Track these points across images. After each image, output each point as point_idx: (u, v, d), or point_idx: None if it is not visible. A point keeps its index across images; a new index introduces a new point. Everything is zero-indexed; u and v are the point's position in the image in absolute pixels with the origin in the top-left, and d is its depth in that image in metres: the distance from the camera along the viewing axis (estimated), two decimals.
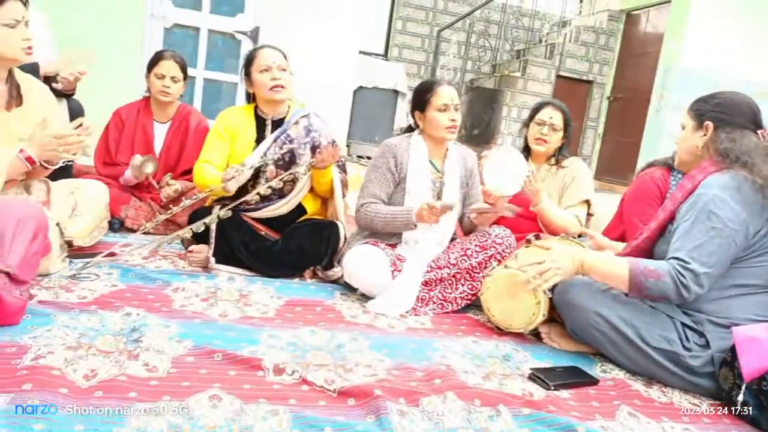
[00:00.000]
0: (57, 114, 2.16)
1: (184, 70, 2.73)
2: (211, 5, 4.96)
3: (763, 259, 1.70)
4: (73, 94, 2.73)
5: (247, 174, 2.29)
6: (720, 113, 1.79)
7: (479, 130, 6.69)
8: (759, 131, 1.79)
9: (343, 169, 2.53)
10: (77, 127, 1.87)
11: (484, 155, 2.53)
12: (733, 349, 1.60)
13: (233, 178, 2.20)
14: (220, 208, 2.27)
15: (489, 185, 2.44)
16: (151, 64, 2.71)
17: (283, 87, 2.36)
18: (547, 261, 1.78)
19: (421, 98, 2.32)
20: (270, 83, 2.35)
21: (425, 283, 2.18)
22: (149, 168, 2.65)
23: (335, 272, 2.32)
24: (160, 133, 2.79)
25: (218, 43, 5.10)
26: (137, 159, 2.64)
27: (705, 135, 1.80)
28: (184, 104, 2.88)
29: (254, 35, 5.03)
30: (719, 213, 1.64)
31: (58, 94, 2.60)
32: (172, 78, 2.69)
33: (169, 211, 2.26)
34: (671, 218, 1.83)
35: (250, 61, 2.41)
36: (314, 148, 2.39)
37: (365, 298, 2.17)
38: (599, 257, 1.83)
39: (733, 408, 1.59)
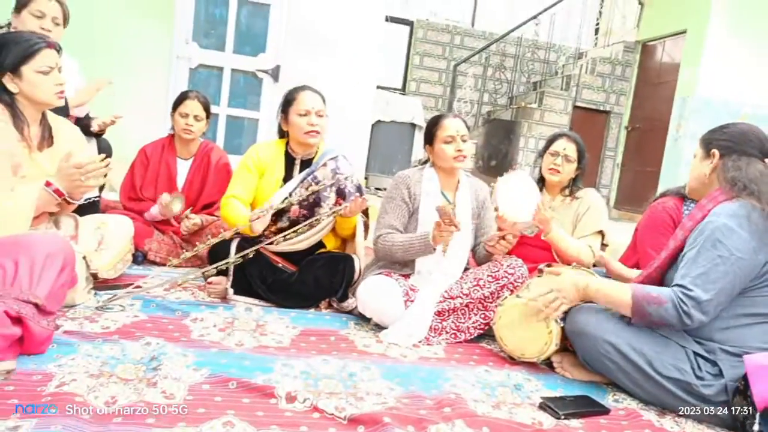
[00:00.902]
0: (85, 151, 2.27)
1: (207, 109, 2.86)
2: (234, 46, 5.18)
3: None
4: (103, 134, 2.87)
5: (272, 211, 2.36)
6: (726, 141, 1.82)
7: (496, 162, 6.74)
8: (766, 160, 1.82)
9: (365, 213, 2.59)
10: (102, 159, 1.97)
11: (497, 181, 2.57)
12: (745, 378, 1.59)
13: (259, 218, 2.27)
14: (239, 243, 2.35)
15: (503, 210, 2.48)
16: (176, 103, 2.84)
17: (318, 133, 2.43)
18: (552, 290, 1.80)
19: (429, 132, 2.39)
20: (307, 128, 2.41)
21: (438, 313, 2.21)
22: (177, 206, 2.75)
23: (350, 303, 2.37)
24: (183, 169, 2.90)
25: (240, 82, 5.30)
26: (165, 198, 2.74)
27: (711, 162, 1.83)
28: (206, 141, 3.00)
29: (275, 73, 5.22)
30: (726, 242, 1.66)
31: (88, 133, 2.75)
32: (195, 117, 2.81)
33: (195, 249, 2.33)
34: (682, 247, 1.84)
35: (289, 101, 2.46)
36: (339, 191, 2.45)
37: (379, 328, 2.20)
38: (604, 282, 1.85)
39: None
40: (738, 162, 1.77)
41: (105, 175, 1.97)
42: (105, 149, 2.90)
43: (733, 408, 1.63)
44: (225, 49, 5.16)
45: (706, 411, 1.68)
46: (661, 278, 1.90)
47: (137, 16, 4.63)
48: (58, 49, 2.01)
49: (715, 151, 1.82)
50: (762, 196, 1.69)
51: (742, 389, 1.60)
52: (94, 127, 2.67)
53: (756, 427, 1.54)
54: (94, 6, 4.41)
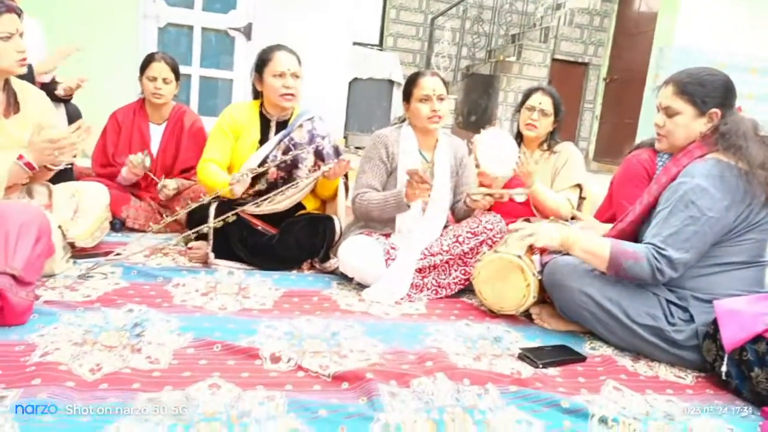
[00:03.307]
0: (54, 118, 2.21)
1: (175, 70, 2.78)
2: (203, 3, 5.00)
3: (744, 238, 1.74)
4: (70, 99, 2.78)
5: (251, 175, 2.34)
6: (721, 98, 1.77)
7: (476, 117, 6.71)
8: (738, 107, 1.84)
9: (345, 175, 2.58)
10: (76, 130, 1.93)
11: (475, 139, 2.57)
12: (715, 322, 1.65)
13: (239, 182, 2.26)
14: (218, 206, 2.33)
15: (484, 167, 2.49)
16: (143, 67, 2.76)
17: (294, 96, 2.39)
18: (532, 233, 1.84)
19: (407, 89, 2.37)
20: (282, 90, 2.37)
21: (419, 270, 2.24)
22: (148, 162, 2.69)
23: (332, 264, 2.38)
24: (156, 134, 2.84)
25: (212, 41, 5.15)
26: (136, 159, 2.68)
27: (710, 122, 1.78)
28: (179, 104, 2.93)
29: (247, 31, 5.08)
30: (698, 202, 1.68)
31: (56, 99, 2.66)
32: (164, 80, 2.73)
33: (174, 214, 2.31)
34: (655, 203, 1.86)
35: (264, 61, 2.41)
36: (318, 153, 2.43)
37: (361, 287, 2.23)
38: (582, 234, 1.89)
39: (717, 379, 1.65)
40: (732, 117, 1.76)
41: (78, 145, 1.93)
42: (73, 114, 2.83)
43: (703, 351, 1.70)
44: (194, 6, 4.99)
45: (677, 355, 1.75)
46: (634, 231, 1.93)
47: None
48: (19, 14, 1.93)
49: (717, 111, 1.76)
50: (744, 152, 1.70)
51: (711, 333, 1.67)
52: (60, 92, 2.59)
53: (724, 368, 1.61)
54: None
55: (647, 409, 1.49)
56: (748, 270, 1.77)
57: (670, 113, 1.84)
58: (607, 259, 1.75)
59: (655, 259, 1.69)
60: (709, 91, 1.78)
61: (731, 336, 1.57)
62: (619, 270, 1.75)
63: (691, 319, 1.74)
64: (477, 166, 2.53)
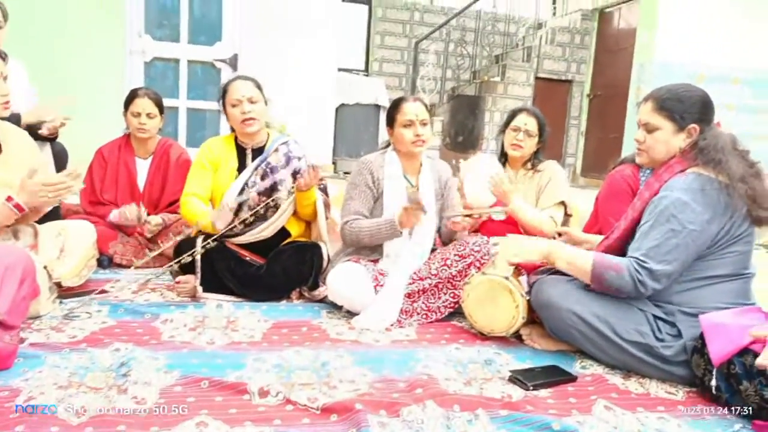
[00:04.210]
0: (38, 157, 2.22)
1: (159, 105, 2.80)
2: (189, 36, 5.07)
3: (728, 250, 1.75)
4: (56, 138, 2.79)
5: (233, 208, 2.35)
6: (699, 113, 1.80)
7: (463, 137, 6.77)
8: (716, 122, 1.87)
9: (324, 191, 2.60)
10: (69, 174, 1.93)
11: (462, 167, 2.61)
12: (702, 337, 1.66)
13: (219, 218, 2.28)
14: (204, 239, 2.33)
15: (471, 198, 2.53)
16: (127, 103, 2.77)
17: (254, 119, 2.41)
18: (516, 250, 1.86)
19: (390, 115, 2.40)
20: (240, 117, 2.41)
21: (408, 295, 2.24)
22: (146, 214, 2.70)
23: (321, 291, 2.38)
24: (142, 168, 2.85)
25: (198, 73, 5.21)
26: (132, 212, 2.68)
27: (690, 138, 1.80)
28: (164, 138, 2.94)
29: (233, 62, 5.13)
30: (679, 216, 1.70)
31: (40, 138, 2.66)
32: (148, 115, 2.75)
33: (159, 249, 2.31)
34: (640, 217, 1.87)
35: (223, 94, 2.47)
36: (295, 175, 2.45)
37: (351, 314, 2.22)
38: (566, 248, 1.90)
39: (708, 393, 1.64)
40: (711, 132, 1.79)
41: (73, 188, 1.94)
42: (60, 153, 2.82)
43: (692, 366, 1.70)
44: (180, 39, 5.05)
45: (667, 371, 1.75)
46: (621, 247, 1.94)
47: (85, 11, 4.48)
48: (3, 57, 1.95)
49: (695, 127, 1.79)
50: (724, 166, 1.72)
51: (699, 348, 1.67)
52: (44, 131, 2.59)
53: (713, 382, 1.61)
54: (36, 2, 4.26)
55: (639, 427, 1.49)
56: (734, 283, 1.78)
57: (649, 129, 1.87)
58: (589, 272, 1.77)
59: (636, 271, 1.70)
60: (687, 107, 1.82)
61: (718, 350, 1.58)
62: (602, 282, 1.76)
63: (679, 335, 1.74)
64: (462, 197, 2.57)
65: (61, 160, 2.81)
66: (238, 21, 5.12)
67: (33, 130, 2.53)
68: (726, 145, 1.76)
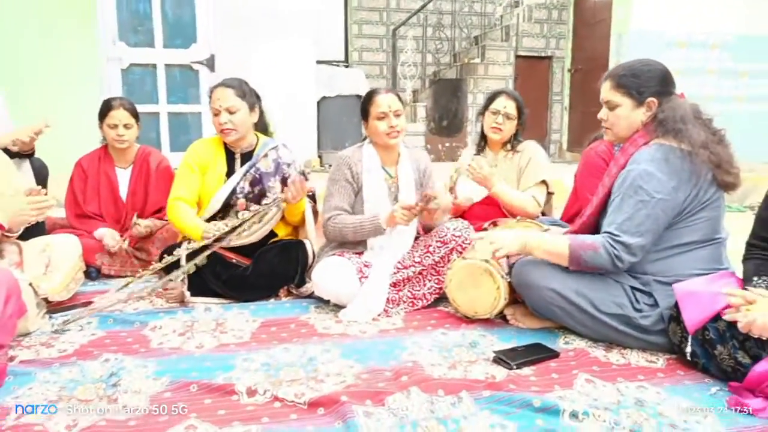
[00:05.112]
0: (11, 174, 2.23)
1: (135, 115, 2.79)
2: (164, 40, 5.04)
3: (696, 217, 1.79)
4: (33, 154, 2.79)
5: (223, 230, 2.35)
6: (657, 86, 1.83)
7: (448, 121, 6.77)
8: (680, 93, 1.89)
9: (312, 198, 2.61)
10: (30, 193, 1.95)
11: (459, 168, 2.70)
12: (677, 305, 1.69)
13: (211, 236, 2.30)
14: (189, 242, 2.35)
15: (461, 199, 2.58)
16: (102, 114, 2.76)
17: (231, 130, 2.40)
18: (494, 243, 1.88)
19: (364, 108, 2.41)
20: (219, 127, 2.41)
21: (394, 285, 2.27)
22: (126, 244, 2.71)
23: (308, 288, 2.41)
24: (123, 178, 2.86)
25: (177, 76, 5.19)
26: (111, 243, 2.69)
27: (650, 111, 1.84)
28: (143, 146, 2.94)
29: (210, 63, 5.12)
30: (646, 186, 1.73)
31: (18, 155, 2.67)
32: (125, 126, 2.75)
33: (151, 267, 2.32)
34: (610, 192, 1.91)
35: (209, 101, 2.45)
36: (284, 181, 2.46)
37: (339, 308, 2.25)
38: (542, 237, 1.93)
39: (686, 359, 1.69)
40: (669, 104, 1.81)
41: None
42: (39, 168, 2.83)
43: (669, 334, 1.74)
44: (155, 44, 5.03)
45: (647, 340, 1.79)
46: (594, 224, 1.97)
47: (56, 22, 4.44)
48: None
49: (653, 101, 1.82)
50: (685, 134, 1.75)
51: (675, 316, 1.71)
52: (14, 147, 2.57)
53: (689, 348, 1.65)
54: (4, 17, 4.22)
55: (618, 398, 1.53)
56: (705, 249, 1.82)
57: (611, 106, 1.91)
58: (567, 256, 1.80)
59: (612, 246, 1.74)
60: (644, 82, 1.85)
61: (692, 317, 1.62)
62: (581, 263, 1.80)
63: (656, 304, 1.78)
64: (454, 197, 2.65)
65: (41, 175, 2.82)
66: (213, 21, 5.10)
67: (6, 148, 2.53)
68: (686, 114, 1.79)
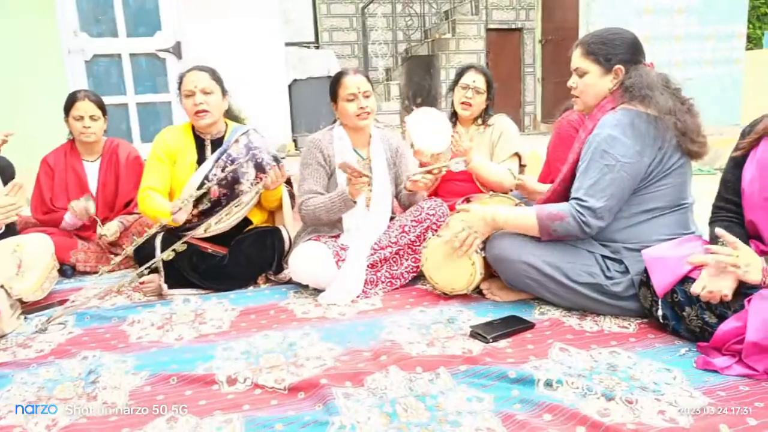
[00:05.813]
0: None
1: (101, 106, 2.74)
2: (127, 29, 4.92)
3: (661, 183, 1.82)
4: None
5: (192, 200, 2.33)
6: (624, 54, 1.85)
7: (422, 98, 6.76)
8: (649, 63, 1.91)
9: (288, 183, 2.60)
10: (11, 189, 1.91)
11: (407, 120, 2.63)
12: (647, 270, 1.73)
13: (181, 209, 2.25)
14: (164, 237, 2.33)
15: (419, 145, 2.54)
16: (67, 107, 2.71)
17: (206, 112, 2.37)
18: (464, 228, 1.90)
19: (332, 90, 2.39)
20: (192, 109, 2.37)
21: (371, 266, 2.28)
22: (92, 207, 2.66)
23: (286, 274, 2.41)
24: (92, 171, 2.81)
25: (143, 65, 5.08)
26: (78, 204, 2.65)
27: (616, 78, 1.86)
28: (110, 138, 2.89)
29: (177, 50, 5.02)
30: (611, 151, 1.76)
31: None
32: (91, 117, 2.70)
33: (123, 252, 2.29)
34: (579, 159, 1.94)
35: (178, 85, 2.43)
36: (257, 165, 2.44)
37: (318, 292, 2.26)
38: (509, 211, 1.96)
39: (657, 323, 1.73)
40: (637, 71, 1.83)
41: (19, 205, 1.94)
42: (6, 168, 2.76)
43: (640, 298, 1.79)
44: (118, 33, 4.91)
45: (619, 306, 1.84)
46: (566, 191, 1.99)
47: (14, 16, 4.31)
48: None
49: (620, 68, 1.84)
50: (651, 100, 1.78)
51: (645, 281, 1.75)
52: None
53: (659, 311, 1.70)
54: None
55: (591, 364, 1.57)
56: (672, 215, 1.85)
57: (580, 74, 1.94)
58: (536, 226, 1.83)
59: (579, 212, 1.77)
60: (611, 49, 1.87)
61: (661, 281, 1.66)
62: (550, 233, 1.83)
63: (627, 270, 1.82)
64: (411, 146, 2.58)
65: (6, 174, 2.75)
66: (176, 7, 4.98)
67: None
68: (653, 81, 1.81)
